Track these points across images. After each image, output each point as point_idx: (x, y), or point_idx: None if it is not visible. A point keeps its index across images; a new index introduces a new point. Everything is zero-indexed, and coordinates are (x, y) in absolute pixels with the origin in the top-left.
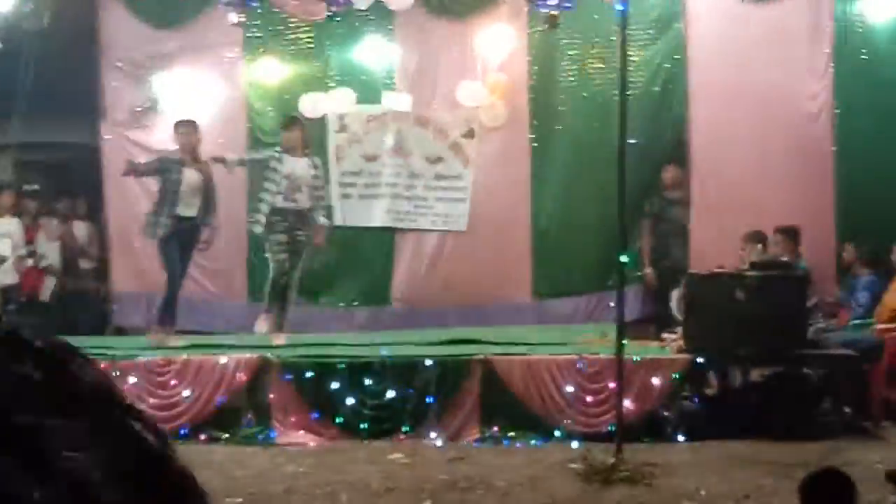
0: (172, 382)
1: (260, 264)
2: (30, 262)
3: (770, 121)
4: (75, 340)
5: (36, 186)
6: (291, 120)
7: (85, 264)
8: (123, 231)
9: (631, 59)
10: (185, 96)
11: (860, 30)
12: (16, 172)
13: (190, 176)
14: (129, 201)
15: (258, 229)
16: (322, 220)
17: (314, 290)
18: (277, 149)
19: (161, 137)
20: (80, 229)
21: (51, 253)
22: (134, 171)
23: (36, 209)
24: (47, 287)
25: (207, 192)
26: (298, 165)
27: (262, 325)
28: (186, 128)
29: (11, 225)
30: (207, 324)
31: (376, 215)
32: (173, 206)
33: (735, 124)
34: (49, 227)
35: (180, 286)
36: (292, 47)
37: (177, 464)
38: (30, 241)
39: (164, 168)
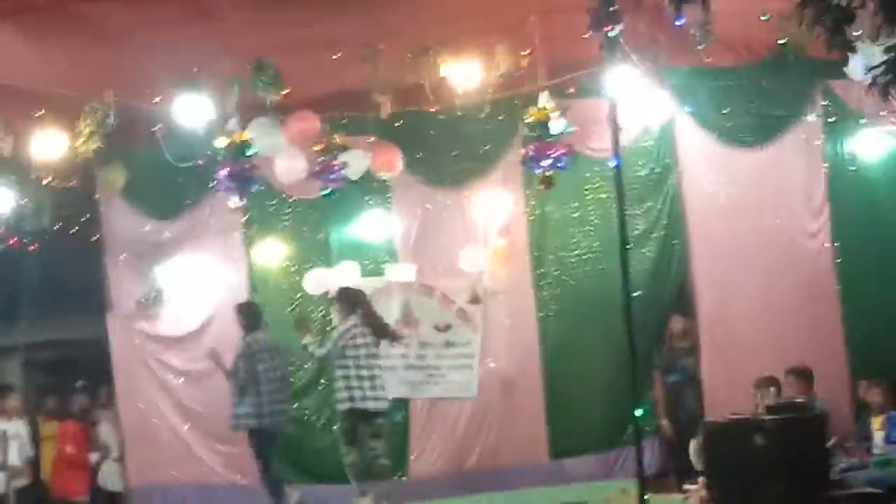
0: None
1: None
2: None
3: (772, 263)
4: None
5: (82, 383)
6: None
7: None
8: (136, 423)
9: (629, 212)
10: (189, 282)
11: (853, 168)
12: (26, 372)
13: None
14: (141, 393)
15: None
16: None
17: (329, 469)
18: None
19: (168, 324)
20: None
21: (111, 442)
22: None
23: (87, 405)
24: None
25: None
26: None
27: None
28: None
29: (19, 427)
30: None
31: (390, 387)
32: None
33: (736, 269)
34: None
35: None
36: (293, 226)
37: None
38: (82, 437)
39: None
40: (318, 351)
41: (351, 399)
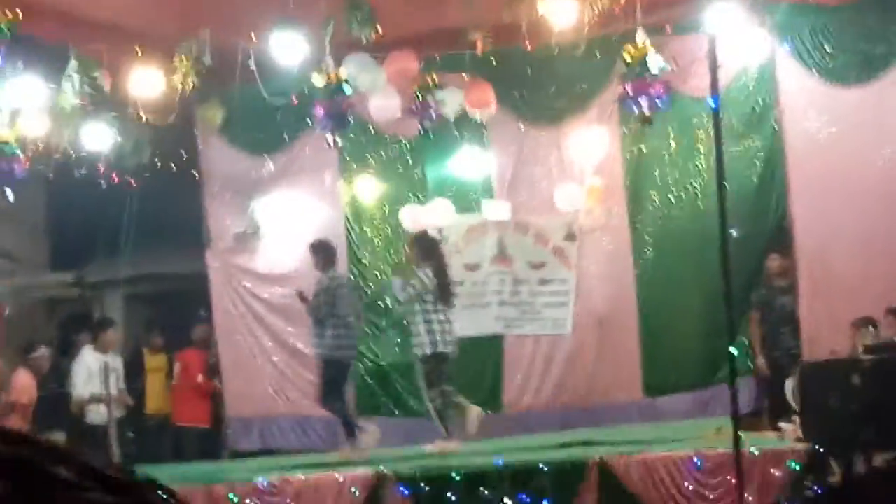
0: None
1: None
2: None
3: (873, 202)
4: (193, 465)
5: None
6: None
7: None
8: (233, 356)
9: (727, 150)
10: (286, 219)
11: None
12: (127, 305)
13: None
14: (238, 326)
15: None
16: None
17: (410, 405)
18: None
19: (266, 262)
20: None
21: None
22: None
23: (207, 334)
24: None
25: None
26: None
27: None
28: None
29: (115, 361)
30: (307, 442)
31: (485, 323)
32: None
33: (837, 208)
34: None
35: None
36: (389, 163)
37: None
38: (204, 365)
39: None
40: (401, 295)
41: (433, 343)
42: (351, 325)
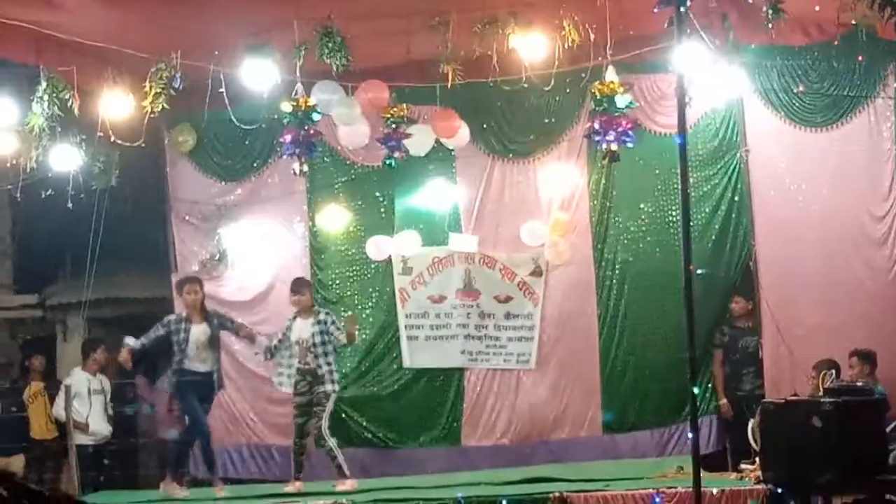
0: None
1: None
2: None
3: (837, 245)
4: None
5: None
6: (299, 282)
7: None
8: None
9: (693, 190)
10: (252, 246)
11: None
12: (90, 328)
13: (196, 332)
14: None
15: (286, 388)
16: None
17: (385, 433)
18: (290, 315)
19: (232, 288)
20: None
21: None
22: (132, 350)
23: None
24: None
25: (215, 347)
26: (304, 329)
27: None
28: (191, 286)
29: (104, 382)
30: (267, 472)
31: (449, 356)
32: (182, 362)
33: (801, 251)
34: None
35: (205, 434)
36: (356, 193)
37: None
38: None
39: (171, 330)
40: (313, 335)
41: (334, 382)
42: None
